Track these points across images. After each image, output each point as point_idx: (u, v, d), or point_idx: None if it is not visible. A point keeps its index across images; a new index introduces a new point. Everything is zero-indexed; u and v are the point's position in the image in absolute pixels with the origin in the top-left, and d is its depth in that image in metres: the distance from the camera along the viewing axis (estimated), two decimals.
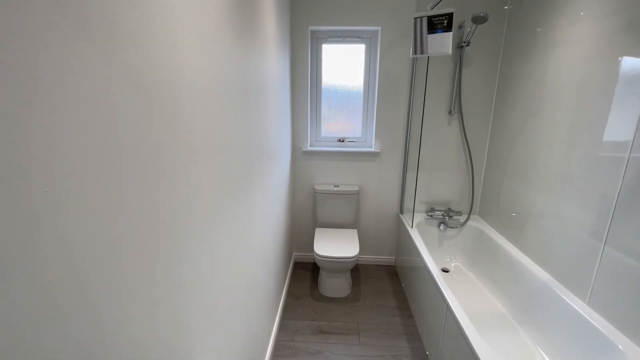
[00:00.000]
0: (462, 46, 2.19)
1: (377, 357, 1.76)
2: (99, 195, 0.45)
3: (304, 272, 2.63)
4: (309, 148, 2.54)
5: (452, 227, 2.48)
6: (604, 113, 1.37)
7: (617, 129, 1.30)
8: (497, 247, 2.10)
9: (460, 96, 2.31)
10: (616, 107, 1.31)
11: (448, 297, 1.50)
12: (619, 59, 1.31)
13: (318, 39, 2.42)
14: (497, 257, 2.09)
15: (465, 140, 2.41)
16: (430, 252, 2.51)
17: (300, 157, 2.56)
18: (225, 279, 0.98)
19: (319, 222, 2.60)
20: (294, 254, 2.80)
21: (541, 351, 1.57)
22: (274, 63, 1.68)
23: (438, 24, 1.87)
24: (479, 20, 1.97)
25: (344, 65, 2.48)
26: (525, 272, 1.79)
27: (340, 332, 1.96)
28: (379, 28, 2.30)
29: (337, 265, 2.14)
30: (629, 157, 1.24)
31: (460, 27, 2.20)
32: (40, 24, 0.36)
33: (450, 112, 2.38)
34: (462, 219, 2.48)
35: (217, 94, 0.87)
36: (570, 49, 1.58)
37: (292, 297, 2.29)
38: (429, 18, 1.88)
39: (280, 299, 2.10)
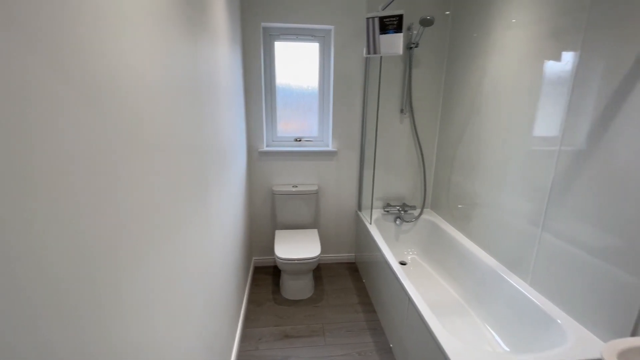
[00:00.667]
0: (411, 47, 2.29)
1: (343, 356, 1.77)
2: (16, 202, 0.36)
3: (265, 276, 2.55)
4: (266, 148, 2.47)
5: (408, 221, 2.58)
6: (534, 111, 1.51)
7: (546, 126, 1.45)
8: (449, 237, 2.23)
9: (410, 95, 2.41)
10: (544, 105, 1.46)
11: (409, 289, 1.55)
12: (545, 62, 1.45)
13: (270, 36, 2.35)
14: (449, 247, 2.22)
15: (416, 138, 2.53)
16: (389, 247, 2.59)
17: (256, 158, 2.48)
18: (178, 297, 0.90)
19: (278, 224, 2.54)
20: (253, 258, 2.70)
21: (491, 330, 1.70)
22: (226, 59, 1.59)
23: (389, 24, 1.93)
24: (425, 22, 2.07)
25: (298, 64, 2.44)
26: (475, 260, 1.93)
27: (305, 334, 1.93)
28: (332, 27, 2.30)
29: (299, 267, 2.11)
30: (559, 150, 1.38)
31: (409, 29, 2.29)
32: None
33: (402, 111, 2.47)
34: (416, 212, 2.60)
35: (167, 90, 0.78)
36: (505, 53, 1.72)
37: (254, 304, 2.20)
38: (381, 19, 1.92)
39: (241, 308, 2.01)
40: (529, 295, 1.50)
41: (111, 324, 0.54)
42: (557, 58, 1.39)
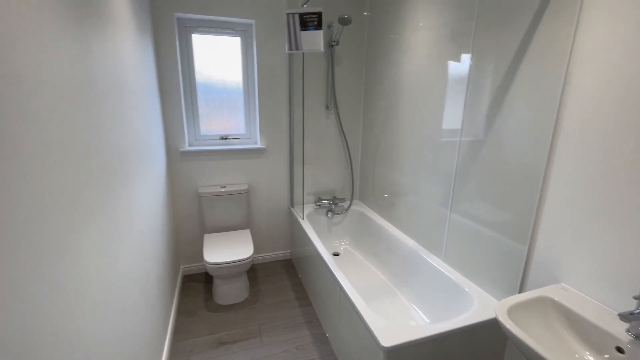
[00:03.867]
0: (333, 45, 2.36)
1: (281, 353, 1.76)
2: None
3: (196, 284, 2.40)
4: (188, 148, 2.31)
5: (338, 214, 2.68)
6: (441, 106, 1.69)
7: (450, 119, 1.63)
8: (376, 225, 2.38)
9: (335, 92, 2.49)
10: (448, 101, 1.64)
11: (340, 278, 1.61)
12: (447, 62, 1.64)
13: (187, 28, 2.20)
14: (377, 234, 2.37)
15: (342, 133, 2.63)
16: (321, 239, 2.66)
17: (178, 158, 2.30)
18: (83, 320, 0.79)
19: (207, 228, 2.40)
20: (181, 267, 2.52)
21: (415, 307, 1.87)
22: (130, 53, 1.43)
23: (309, 21, 1.96)
24: (343, 21, 2.15)
25: (220, 59, 2.33)
26: (398, 244, 2.09)
27: (242, 338, 1.87)
28: (252, 21, 2.24)
29: (231, 270, 2.03)
30: (460, 141, 1.57)
31: (330, 27, 2.36)
32: None
33: (327, 107, 2.54)
34: (345, 205, 2.71)
35: (47, 87, 0.67)
36: (415, 53, 1.89)
37: (184, 315, 2.05)
38: (301, 15, 1.94)
39: (169, 321, 1.86)
40: (443, 271, 1.68)
41: None
42: (457, 59, 1.57)
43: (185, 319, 2.02)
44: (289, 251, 2.80)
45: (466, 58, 1.51)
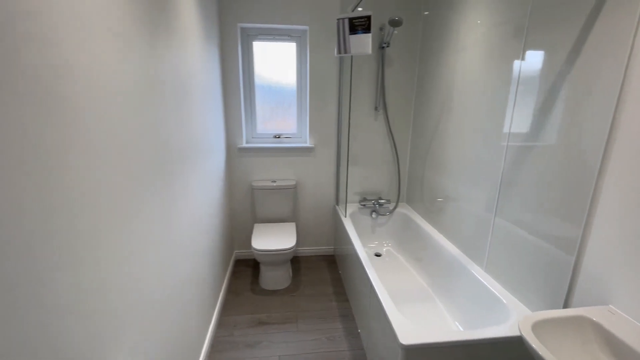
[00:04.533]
0: (383, 47, 2.38)
1: (313, 340, 1.86)
2: None
3: (246, 268, 2.64)
4: (245, 145, 2.55)
5: (383, 215, 2.68)
6: (492, 109, 1.61)
7: (501, 122, 1.54)
8: (420, 230, 2.33)
9: (384, 93, 2.50)
10: (498, 104, 1.55)
11: (371, 276, 1.65)
12: (511, 61, 1.52)
13: (249, 36, 2.43)
14: (420, 238, 2.32)
15: (390, 134, 2.62)
16: (363, 239, 2.69)
17: (236, 154, 2.56)
18: (145, 282, 0.98)
19: (258, 218, 2.62)
20: (235, 251, 2.79)
21: (450, 315, 1.80)
22: (197, 61, 1.67)
23: (359, 25, 2.02)
24: (394, 23, 2.16)
25: (277, 63, 2.52)
26: (441, 250, 2.03)
27: (279, 321, 2.02)
28: (307, 27, 2.38)
29: (274, 257, 2.20)
30: (507, 145, 1.48)
31: (381, 29, 2.38)
32: None
33: (376, 108, 2.56)
34: (391, 206, 2.70)
35: (121, 92, 0.87)
36: (473, 52, 1.81)
37: (232, 294, 2.29)
38: (350, 20, 2.01)
39: (218, 297, 2.10)
40: (483, 281, 1.60)
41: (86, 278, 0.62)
42: (520, 57, 1.47)
43: (233, 297, 2.25)
44: (332, 247, 2.90)
45: (517, 60, 1.40)
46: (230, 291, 2.33)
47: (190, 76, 1.55)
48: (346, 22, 2.03)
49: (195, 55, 1.63)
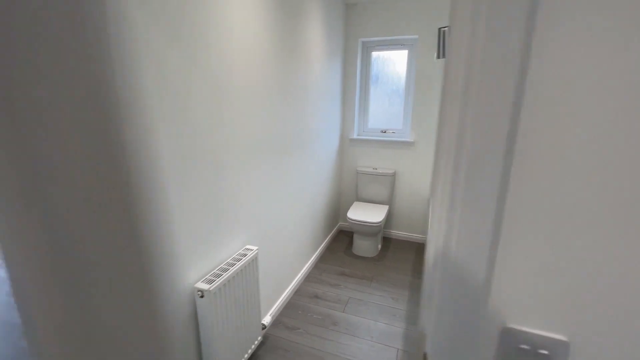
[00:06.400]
0: None
1: (380, 296, 2.26)
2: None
3: (345, 237, 3.22)
4: (355, 137, 3.12)
5: None
6: None
7: None
8: None
9: None
10: None
11: None
12: None
13: (368, 48, 2.97)
14: None
15: None
16: None
17: (347, 144, 3.16)
18: (287, 210, 1.69)
19: (359, 197, 3.15)
20: (339, 222, 3.41)
21: None
22: (318, 70, 2.34)
23: None
24: None
25: (389, 68, 2.97)
26: None
27: (357, 276, 2.50)
28: (417, 36, 2.72)
29: (363, 228, 2.68)
30: None
31: None
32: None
33: None
34: None
35: (258, 93, 1.58)
36: None
37: (329, 251, 2.91)
38: (450, 28, 2.26)
39: (318, 249, 2.76)
40: None
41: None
42: None
43: (329, 254, 2.87)
44: (425, 237, 3.11)
45: None
46: (328, 249, 2.96)
47: (312, 83, 2.23)
48: (447, 30, 2.28)
49: (316, 67, 2.31)
